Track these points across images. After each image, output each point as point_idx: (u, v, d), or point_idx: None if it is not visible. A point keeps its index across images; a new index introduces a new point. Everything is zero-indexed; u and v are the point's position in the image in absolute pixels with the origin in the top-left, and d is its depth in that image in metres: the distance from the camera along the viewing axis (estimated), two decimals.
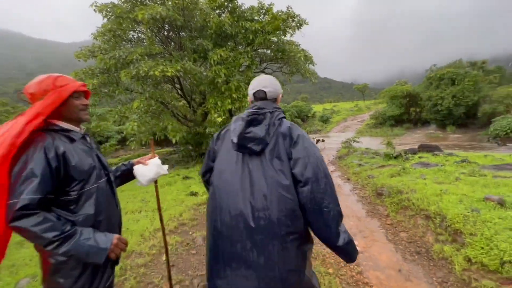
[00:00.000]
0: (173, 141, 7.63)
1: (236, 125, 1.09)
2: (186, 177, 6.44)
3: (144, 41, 8.58)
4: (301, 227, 1.02)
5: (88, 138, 1.17)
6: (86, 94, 1.15)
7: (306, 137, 1.10)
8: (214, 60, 7.53)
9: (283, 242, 0.99)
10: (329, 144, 15.96)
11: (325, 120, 27.88)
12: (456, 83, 18.18)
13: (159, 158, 1.59)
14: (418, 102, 22.52)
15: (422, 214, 3.33)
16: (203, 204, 4.41)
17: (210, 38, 8.93)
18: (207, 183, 1.30)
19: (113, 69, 7.47)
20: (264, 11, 9.48)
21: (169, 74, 6.25)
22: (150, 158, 1.55)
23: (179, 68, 6.59)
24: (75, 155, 1.03)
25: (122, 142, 16.73)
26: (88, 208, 1.05)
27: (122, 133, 16.21)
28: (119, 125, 16.51)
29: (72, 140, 1.06)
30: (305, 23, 9.01)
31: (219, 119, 11.22)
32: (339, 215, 1.04)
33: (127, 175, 1.47)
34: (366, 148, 11.86)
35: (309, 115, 31.10)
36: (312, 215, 1.01)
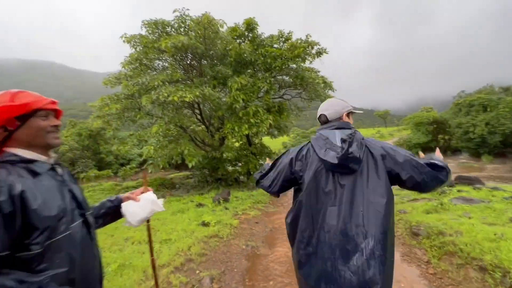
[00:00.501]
0: (189, 166, 7.51)
1: (329, 145, 1.20)
2: (200, 205, 6.15)
3: (168, 69, 8.95)
4: (387, 247, 1.10)
5: (60, 169, 0.92)
6: (56, 113, 0.93)
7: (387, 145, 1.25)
8: (233, 86, 7.58)
9: (377, 257, 1.06)
10: None
11: None
12: (488, 109, 17.06)
13: (152, 192, 1.33)
14: (447, 129, 21.30)
15: (475, 265, 2.73)
16: (214, 237, 4.06)
17: (230, 65, 9.14)
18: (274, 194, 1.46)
19: (137, 95, 7.74)
20: (283, 39, 9.66)
21: (187, 99, 6.30)
22: (142, 192, 1.28)
23: (197, 93, 6.65)
24: (38, 195, 0.78)
25: (143, 164, 17.09)
26: (57, 265, 0.78)
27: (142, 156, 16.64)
28: (140, 149, 17.06)
29: (35, 174, 0.82)
30: (325, 52, 9.01)
31: (237, 144, 11.16)
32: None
33: (113, 214, 1.19)
34: None
35: None
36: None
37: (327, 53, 9.00)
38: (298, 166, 1.29)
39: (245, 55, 9.05)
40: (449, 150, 21.21)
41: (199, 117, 9.78)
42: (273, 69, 9.28)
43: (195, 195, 8.12)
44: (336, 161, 1.11)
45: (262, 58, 9.50)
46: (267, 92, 8.90)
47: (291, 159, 1.32)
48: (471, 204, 4.39)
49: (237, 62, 9.26)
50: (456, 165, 17.11)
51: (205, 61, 8.81)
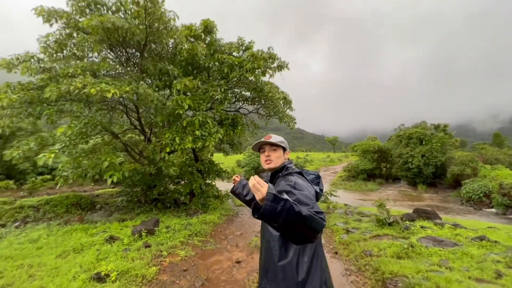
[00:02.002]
0: (108, 182, 5.71)
1: (310, 181, 1.45)
2: (111, 239, 4.43)
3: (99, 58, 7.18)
4: None
5: None
6: None
7: None
8: (177, 90, 6.25)
9: None
10: None
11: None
12: (424, 143, 18.83)
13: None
14: (389, 158, 22.95)
15: None
16: None
17: (180, 66, 7.83)
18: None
19: (44, 84, 5.80)
20: (244, 48, 8.83)
21: (109, 95, 4.73)
22: None
23: (128, 89, 5.13)
24: None
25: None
26: None
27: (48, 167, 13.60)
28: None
29: None
30: (286, 67, 8.40)
31: (177, 160, 9.56)
32: None
33: None
34: (345, 205, 10.69)
35: None
36: None
37: (288, 69, 8.42)
38: None
39: (199, 58, 7.88)
40: (390, 178, 22.74)
41: (137, 122, 8.03)
42: (230, 79, 8.26)
43: (114, 221, 6.23)
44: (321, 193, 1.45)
45: (218, 65, 8.45)
46: (220, 102, 7.76)
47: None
48: (443, 248, 3.75)
49: (188, 64, 8.01)
50: (398, 193, 18.12)
51: (148, 56, 7.34)
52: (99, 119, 6.02)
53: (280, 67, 8.27)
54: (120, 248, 4.02)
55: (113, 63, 7.01)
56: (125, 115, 7.61)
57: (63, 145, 5.56)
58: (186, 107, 6.14)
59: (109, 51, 7.01)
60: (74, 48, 6.81)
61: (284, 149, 1.54)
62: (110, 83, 5.25)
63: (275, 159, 1.49)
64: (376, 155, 22.88)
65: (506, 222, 9.67)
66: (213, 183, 9.65)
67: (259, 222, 7.44)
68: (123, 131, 7.97)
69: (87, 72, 5.56)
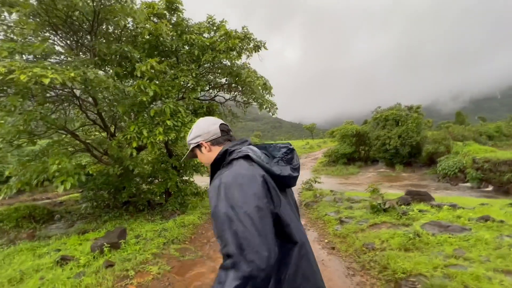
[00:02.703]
0: (59, 190, 4.73)
1: (279, 158, 0.99)
2: (63, 260, 3.56)
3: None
4: None
5: None
6: None
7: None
8: (141, 72, 5.29)
9: None
10: None
11: None
12: (400, 124, 19.24)
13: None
14: (367, 141, 23.37)
15: None
16: None
17: (142, 49, 6.79)
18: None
19: None
20: (215, 28, 7.92)
21: (46, 81, 3.73)
22: None
23: (73, 75, 4.13)
24: None
25: None
26: None
27: None
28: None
29: None
30: (264, 47, 7.64)
31: (149, 157, 8.58)
32: None
33: None
34: (331, 191, 10.41)
35: None
36: None
37: (266, 48, 7.69)
38: (271, 198, 0.87)
39: (164, 39, 6.87)
40: (369, 161, 23.24)
41: (96, 116, 6.91)
42: (201, 64, 7.37)
43: (74, 234, 5.27)
44: (296, 173, 0.99)
45: (188, 48, 7.50)
46: (192, 90, 6.87)
47: (259, 194, 0.81)
48: (452, 234, 3.38)
49: (152, 47, 6.97)
50: (377, 174, 18.47)
51: (103, 39, 6.20)
52: (41, 114, 4.93)
53: (257, 47, 7.51)
54: (73, 272, 3.19)
55: (59, 48, 5.83)
56: (76, 107, 6.44)
57: None
58: (151, 93, 5.21)
59: (54, 34, 5.78)
60: (9, 32, 5.50)
61: (200, 145, 1.10)
62: (50, 67, 4.21)
63: (205, 160, 1.11)
64: (354, 138, 23.16)
65: (484, 196, 9.99)
66: (191, 179, 8.84)
67: None
68: (79, 128, 6.83)
69: (18, 55, 4.44)
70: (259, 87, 8.26)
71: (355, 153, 23.00)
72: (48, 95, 5.74)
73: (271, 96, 8.85)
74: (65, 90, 5.50)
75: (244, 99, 9.24)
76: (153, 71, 5.61)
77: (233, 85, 8.34)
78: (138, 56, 6.00)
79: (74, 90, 5.67)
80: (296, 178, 1.00)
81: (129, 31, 6.89)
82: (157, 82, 6.11)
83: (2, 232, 6.15)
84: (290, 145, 1.05)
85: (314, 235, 4.85)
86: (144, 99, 5.20)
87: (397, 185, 13.49)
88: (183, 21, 7.74)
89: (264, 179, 0.85)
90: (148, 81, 5.48)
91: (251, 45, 7.58)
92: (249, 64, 7.76)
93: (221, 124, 1.12)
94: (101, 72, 4.78)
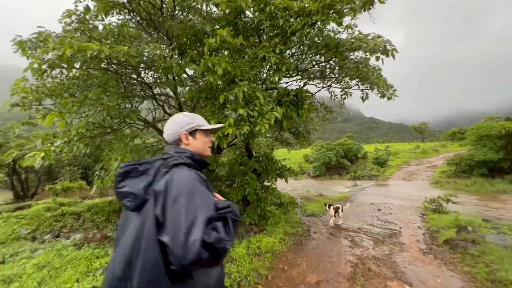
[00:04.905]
0: None
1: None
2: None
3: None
4: None
5: None
6: None
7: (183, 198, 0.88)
8: (210, 45, 4.07)
9: None
10: (394, 199, 10.74)
11: (381, 162, 22.21)
12: None
13: None
14: None
15: None
16: None
17: (218, 26, 5.72)
18: None
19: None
20: None
21: (88, 53, 2.87)
22: None
23: (125, 49, 3.20)
24: None
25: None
26: None
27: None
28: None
29: None
30: (380, 1, 5.17)
31: (227, 158, 7.52)
32: None
33: None
34: (485, 220, 6.72)
35: (358, 155, 25.71)
36: None
37: (383, 2, 5.20)
38: None
39: (244, 13, 5.59)
40: None
41: (172, 104, 6.33)
42: (288, 35, 5.68)
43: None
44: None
45: (270, 21, 5.96)
46: (276, 70, 5.27)
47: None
48: None
49: (229, 23, 5.79)
50: None
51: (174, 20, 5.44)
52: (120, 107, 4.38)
53: (368, 3, 5.12)
54: None
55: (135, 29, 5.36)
56: (153, 100, 5.85)
57: (64, 140, 4.12)
58: (220, 71, 3.88)
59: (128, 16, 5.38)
60: (91, 21, 5.43)
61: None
62: (105, 44, 3.44)
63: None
64: (502, 141, 16.25)
65: None
66: (274, 185, 7.29)
67: (347, 254, 4.47)
68: (158, 120, 6.37)
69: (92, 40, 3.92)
70: (369, 65, 5.82)
71: (502, 162, 16.07)
72: (121, 90, 5.30)
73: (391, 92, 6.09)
74: (133, 77, 4.90)
75: (345, 83, 6.95)
76: (226, 46, 4.33)
77: (331, 63, 6.23)
78: (210, 30, 4.86)
79: (145, 78, 5.06)
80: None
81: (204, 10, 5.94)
82: (231, 62, 4.82)
83: (93, 225, 6.28)
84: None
85: None
86: (212, 79, 3.91)
87: None
88: None
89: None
90: (216, 56, 4.20)
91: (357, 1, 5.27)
92: (356, 26, 5.44)
93: None
94: (157, 45, 3.78)
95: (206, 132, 1.23)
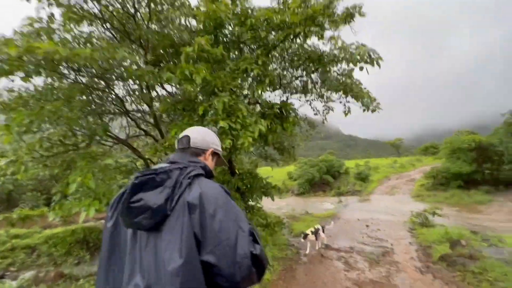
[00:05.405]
0: (80, 220, 3.39)
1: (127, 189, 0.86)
2: None
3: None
4: None
5: None
6: None
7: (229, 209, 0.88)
8: (186, 55, 3.76)
9: None
10: (380, 214, 10.59)
11: (363, 178, 22.49)
12: None
13: None
14: (493, 157, 16.93)
15: None
16: None
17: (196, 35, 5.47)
18: None
19: None
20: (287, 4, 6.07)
21: (40, 53, 2.43)
22: None
23: (88, 53, 2.78)
24: None
25: None
26: None
27: None
28: None
29: None
30: (359, 13, 5.21)
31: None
32: None
33: None
34: (473, 232, 6.65)
35: (341, 171, 25.94)
36: None
37: (363, 15, 5.25)
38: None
39: (224, 24, 5.40)
40: (501, 184, 16.53)
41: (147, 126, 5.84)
42: (269, 47, 5.55)
43: None
44: (121, 213, 0.88)
45: (252, 33, 5.83)
46: (259, 82, 5.04)
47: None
48: None
49: (209, 34, 5.56)
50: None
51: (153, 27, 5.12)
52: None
53: (349, 16, 5.14)
54: None
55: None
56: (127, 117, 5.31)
57: (11, 159, 3.47)
58: (199, 80, 3.54)
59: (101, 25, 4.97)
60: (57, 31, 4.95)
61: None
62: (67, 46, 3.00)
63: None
64: (473, 153, 17.11)
65: None
66: (259, 204, 6.81)
67: (342, 279, 4.02)
68: (132, 137, 5.79)
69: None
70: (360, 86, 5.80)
71: (476, 174, 16.80)
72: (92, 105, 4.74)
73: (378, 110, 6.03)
74: (104, 90, 4.41)
75: (327, 99, 6.89)
76: (205, 56, 4.05)
77: (313, 77, 6.14)
78: (188, 39, 4.59)
79: (117, 91, 4.57)
80: (125, 221, 0.87)
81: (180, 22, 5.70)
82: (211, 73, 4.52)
83: (50, 260, 5.37)
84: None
85: None
86: (190, 87, 3.56)
87: None
88: (247, 8, 6.19)
89: None
90: (193, 64, 3.87)
91: (338, 10, 5.26)
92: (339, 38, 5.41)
93: None
94: (127, 49, 3.40)
95: (218, 159, 1.24)
